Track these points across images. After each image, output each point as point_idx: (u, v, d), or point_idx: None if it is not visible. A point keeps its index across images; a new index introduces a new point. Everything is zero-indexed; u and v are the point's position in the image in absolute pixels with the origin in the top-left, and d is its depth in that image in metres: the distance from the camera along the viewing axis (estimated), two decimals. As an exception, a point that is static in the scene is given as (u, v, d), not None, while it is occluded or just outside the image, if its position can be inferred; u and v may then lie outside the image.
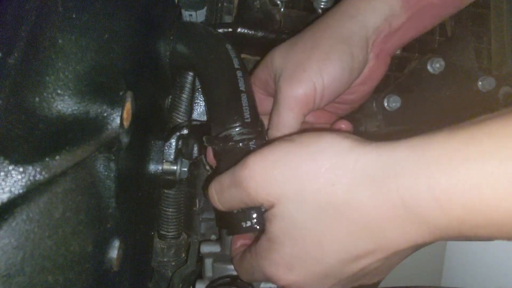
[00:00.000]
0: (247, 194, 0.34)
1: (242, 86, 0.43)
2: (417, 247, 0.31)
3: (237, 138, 0.41)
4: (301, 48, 0.42)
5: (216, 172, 0.48)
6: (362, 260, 0.32)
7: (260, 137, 0.42)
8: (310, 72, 0.40)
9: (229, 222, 0.40)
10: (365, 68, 0.43)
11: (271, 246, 0.34)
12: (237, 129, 0.41)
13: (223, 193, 0.37)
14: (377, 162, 0.30)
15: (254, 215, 0.38)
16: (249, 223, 0.38)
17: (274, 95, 0.43)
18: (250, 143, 0.41)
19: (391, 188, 0.28)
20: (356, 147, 0.31)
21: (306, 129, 0.43)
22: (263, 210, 0.36)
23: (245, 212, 0.38)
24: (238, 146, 0.41)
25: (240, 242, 0.44)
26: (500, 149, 0.25)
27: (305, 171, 0.31)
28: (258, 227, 0.38)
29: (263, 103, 0.46)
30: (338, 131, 0.46)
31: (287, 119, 0.41)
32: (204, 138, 0.44)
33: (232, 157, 0.41)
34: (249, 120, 0.42)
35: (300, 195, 0.31)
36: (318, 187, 0.31)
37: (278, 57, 0.43)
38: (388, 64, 0.46)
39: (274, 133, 0.42)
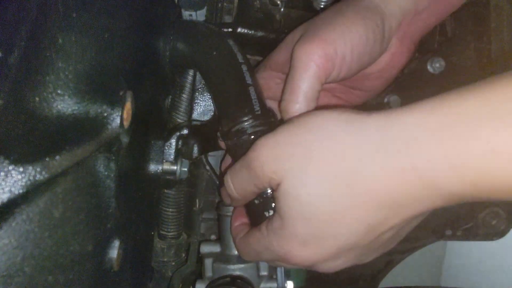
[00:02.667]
0: (254, 174, 0.34)
1: (249, 80, 0.43)
2: (429, 212, 0.31)
3: (250, 130, 0.41)
4: (324, 16, 0.40)
5: None
6: (377, 230, 0.31)
7: (273, 127, 0.41)
8: (332, 33, 0.37)
9: (252, 214, 0.42)
10: (387, 52, 0.41)
11: (283, 224, 0.33)
12: (249, 122, 0.41)
13: (236, 178, 0.37)
14: (383, 131, 0.29)
15: (274, 205, 0.38)
16: (271, 212, 0.39)
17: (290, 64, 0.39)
18: (264, 134, 0.41)
19: (401, 157, 0.28)
20: (356, 119, 0.31)
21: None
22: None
23: (266, 202, 0.39)
24: (251, 138, 0.41)
25: (239, 221, 0.43)
26: None
27: (307, 146, 0.31)
28: None
29: (280, 88, 0.43)
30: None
31: (302, 84, 0.37)
32: (218, 134, 0.44)
33: (247, 150, 0.40)
34: (259, 112, 0.42)
35: (304, 169, 0.31)
36: (321, 160, 0.30)
37: (300, 30, 0.41)
38: (411, 53, 0.43)
39: (287, 104, 0.39)
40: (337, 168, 0.30)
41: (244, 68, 0.43)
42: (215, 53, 0.44)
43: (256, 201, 0.40)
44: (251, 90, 0.42)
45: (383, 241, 0.33)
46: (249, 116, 0.41)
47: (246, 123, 0.41)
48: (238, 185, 0.37)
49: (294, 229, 0.33)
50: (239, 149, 0.42)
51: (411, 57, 0.44)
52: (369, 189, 0.29)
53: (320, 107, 0.42)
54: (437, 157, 0.26)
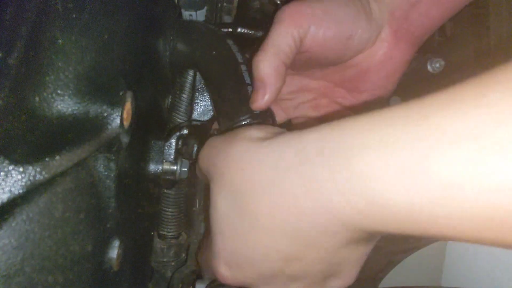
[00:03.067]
0: (198, 169, 0.36)
1: (247, 80, 0.43)
2: (360, 242, 0.29)
3: None
4: None
5: None
6: (298, 258, 0.29)
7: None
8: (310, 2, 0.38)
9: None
10: (382, 43, 0.40)
11: (211, 238, 0.33)
12: (247, 121, 0.41)
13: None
14: (281, 152, 0.27)
15: None
16: None
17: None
18: None
19: (294, 181, 0.26)
20: (264, 138, 0.30)
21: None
22: None
23: None
24: None
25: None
26: (397, 137, 0.22)
27: (225, 156, 0.31)
28: None
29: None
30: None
31: (273, 37, 0.37)
32: (215, 133, 0.45)
33: None
34: (257, 111, 0.42)
35: (219, 178, 0.31)
36: (232, 172, 0.30)
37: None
38: (412, 50, 0.41)
39: (257, 59, 0.38)
40: (241, 185, 0.29)
41: (243, 68, 0.43)
42: (214, 53, 0.44)
43: None
44: (250, 90, 0.43)
45: (320, 269, 0.30)
46: (247, 116, 0.41)
47: (243, 123, 0.41)
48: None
49: (217, 246, 0.32)
50: None
51: (412, 55, 0.42)
52: (268, 214, 0.28)
53: (323, 117, 0.42)
54: (327, 180, 0.25)
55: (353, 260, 0.31)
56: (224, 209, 0.30)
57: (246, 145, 0.30)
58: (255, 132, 0.31)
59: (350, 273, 0.32)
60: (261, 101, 0.39)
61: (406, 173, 0.22)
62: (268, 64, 0.38)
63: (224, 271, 0.32)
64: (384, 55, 0.41)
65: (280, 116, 0.47)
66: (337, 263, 0.30)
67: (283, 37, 0.37)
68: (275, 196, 0.27)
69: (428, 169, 0.21)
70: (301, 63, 0.42)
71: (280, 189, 0.27)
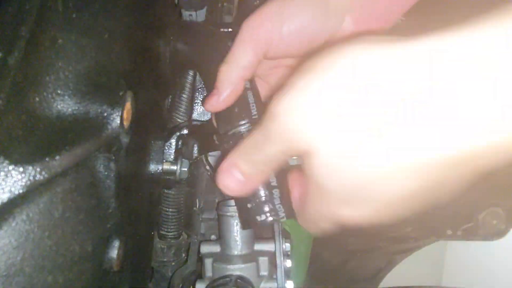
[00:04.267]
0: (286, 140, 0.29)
1: (247, 84, 0.43)
2: None
3: (247, 134, 0.40)
4: None
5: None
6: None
7: None
8: (271, 7, 0.39)
9: (243, 217, 0.41)
10: (342, 35, 0.41)
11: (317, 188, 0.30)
12: (246, 126, 0.41)
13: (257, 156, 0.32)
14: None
15: (267, 209, 0.39)
16: (263, 217, 0.39)
17: None
18: None
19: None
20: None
21: None
22: (275, 198, 0.38)
23: (259, 205, 0.38)
24: None
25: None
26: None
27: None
28: (272, 219, 0.39)
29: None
30: None
31: (237, 51, 0.39)
32: (214, 137, 0.45)
33: None
34: (256, 116, 0.42)
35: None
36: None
37: None
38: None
39: (224, 67, 0.40)
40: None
41: None
42: (214, 54, 0.44)
43: (249, 205, 0.39)
44: (249, 94, 0.43)
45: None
46: (246, 120, 0.41)
47: (242, 127, 0.41)
48: (257, 167, 0.33)
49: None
50: None
51: None
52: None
53: None
54: None
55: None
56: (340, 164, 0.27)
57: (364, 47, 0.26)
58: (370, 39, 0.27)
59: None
60: (210, 105, 0.41)
61: None
62: (226, 76, 0.40)
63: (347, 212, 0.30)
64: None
65: (263, 88, 0.48)
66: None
67: (243, 54, 0.40)
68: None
69: None
70: (272, 59, 0.43)
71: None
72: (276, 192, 0.39)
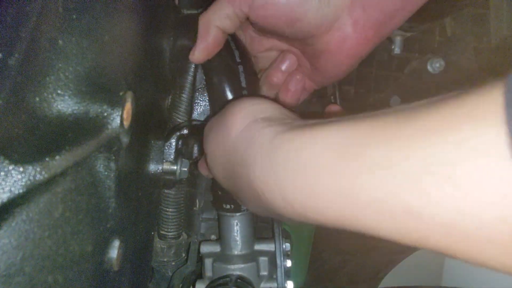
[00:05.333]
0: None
1: (243, 82, 0.43)
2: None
3: None
4: None
5: None
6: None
7: None
8: None
9: (214, 198, 0.51)
10: (337, 32, 0.41)
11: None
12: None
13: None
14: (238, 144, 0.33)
15: (232, 201, 0.48)
16: (228, 206, 0.49)
17: None
18: None
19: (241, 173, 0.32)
20: (270, 121, 0.33)
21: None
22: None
23: (227, 196, 0.48)
24: None
25: None
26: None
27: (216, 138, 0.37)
28: (233, 208, 0.49)
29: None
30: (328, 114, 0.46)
31: (218, 3, 0.42)
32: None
33: None
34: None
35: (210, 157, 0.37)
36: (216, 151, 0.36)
37: None
38: (370, 41, 0.42)
39: (202, 16, 0.43)
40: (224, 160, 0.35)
41: (241, 69, 0.44)
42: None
43: (220, 193, 0.49)
44: (245, 93, 0.43)
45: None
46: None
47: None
48: None
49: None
50: None
51: (372, 47, 0.43)
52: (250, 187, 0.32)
53: (310, 114, 0.45)
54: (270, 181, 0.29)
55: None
56: (221, 176, 0.37)
57: (235, 129, 0.34)
58: (255, 110, 0.34)
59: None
60: (192, 54, 0.44)
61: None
62: (204, 26, 0.43)
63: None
64: (340, 41, 0.42)
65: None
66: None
67: (222, 7, 0.42)
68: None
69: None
70: (261, 29, 0.44)
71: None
72: None
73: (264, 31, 0.44)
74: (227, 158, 0.34)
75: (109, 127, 0.29)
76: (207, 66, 0.46)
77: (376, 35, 0.42)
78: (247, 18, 0.42)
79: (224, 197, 0.49)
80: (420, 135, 0.21)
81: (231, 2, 0.41)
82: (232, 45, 0.45)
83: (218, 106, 0.45)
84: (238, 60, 0.44)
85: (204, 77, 0.51)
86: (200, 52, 0.44)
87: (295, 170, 0.27)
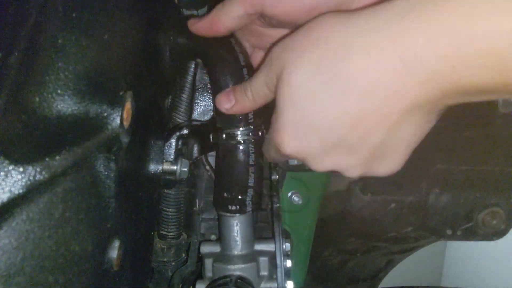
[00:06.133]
0: (267, 66, 0.37)
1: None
2: (423, 113, 0.31)
3: (240, 138, 0.44)
4: None
5: (217, 172, 0.48)
6: (363, 124, 0.31)
7: (259, 142, 0.45)
8: None
9: (218, 200, 0.49)
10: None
11: (277, 114, 0.35)
12: (241, 129, 0.44)
13: (254, 80, 0.39)
14: (367, 18, 0.30)
15: (238, 202, 0.47)
16: (233, 207, 0.48)
17: None
18: (250, 146, 0.45)
19: (388, 50, 0.28)
20: (351, 14, 0.31)
21: None
22: (248, 196, 0.47)
23: (234, 198, 0.47)
24: (239, 147, 0.45)
25: None
26: None
27: (306, 41, 0.33)
28: (238, 209, 0.48)
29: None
30: None
31: (230, 5, 0.41)
32: (210, 136, 0.47)
33: (233, 159, 0.46)
34: (252, 120, 0.44)
35: (299, 59, 0.33)
36: (313, 50, 0.32)
37: None
38: None
39: (213, 14, 0.42)
40: (323, 55, 0.31)
41: (245, 71, 0.44)
42: (217, 52, 0.45)
43: (225, 194, 0.47)
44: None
45: (376, 142, 0.33)
46: (242, 123, 0.44)
47: (238, 130, 0.44)
48: (254, 86, 0.39)
49: (284, 119, 0.34)
50: (226, 154, 0.46)
51: None
52: (353, 78, 0.30)
53: None
54: (420, 41, 0.27)
55: (405, 144, 0.34)
56: (303, 80, 0.32)
57: (328, 21, 0.32)
58: (333, 15, 0.32)
59: (399, 160, 0.35)
60: (193, 23, 0.43)
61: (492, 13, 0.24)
62: (213, 20, 0.42)
63: (289, 141, 0.35)
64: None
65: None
66: (391, 145, 0.33)
67: (233, 8, 0.40)
68: (362, 56, 0.29)
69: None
70: (275, 23, 0.43)
71: (368, 48, 0.29)
72: (250, 191, 0.47)
73: (278, 25, 0.44)
74: (331, 34, 0.31)
75: (109, 127, 0.29)
76: (212, 69, 0.46)
77: None
78: (260, 15, 0.42)
79: (229, 199, 0.48)
80: None
81: (242, 3, 0.40)
82: (236, 49, 0.45)
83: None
84: (242, 63, 0.45)
85: (209, 80, 0.51)
86: (200, 29, 0.43)
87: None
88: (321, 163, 0.36)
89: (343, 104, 0.31)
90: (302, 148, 0.35)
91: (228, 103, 0.42)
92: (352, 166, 0.35)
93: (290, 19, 0.41)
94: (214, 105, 0.47)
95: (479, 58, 0.25)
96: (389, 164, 0.35)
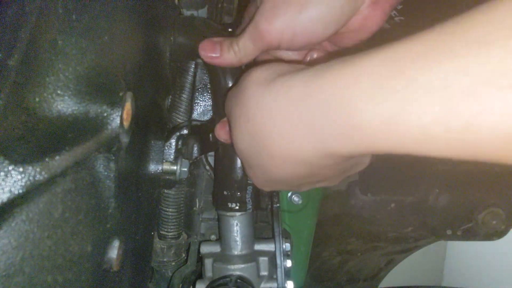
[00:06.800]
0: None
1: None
2: (333, 162, 0.33)
3: None
4: None
5: (216, 170, 0.48)
6: (313, 177, 0.37)
7: None
8: (285, 14, 0.40)
9: (217, 198, 0.50)
10: (359, 16, 0.43)
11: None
12: None
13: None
14: (280, 99, 0.32)
15: (238, 200, 0.48)
16: (234, 205, 0.49)
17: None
18: None
19: (294, 127, 0.31)
20: (267, 80, 0.34)
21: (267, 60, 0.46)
22: (248, 193, 0.48)
23: (233, 195, 0.48)
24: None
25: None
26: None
27: (236, 104, 0.37)
28: (239, 207, 0.48)
29: None
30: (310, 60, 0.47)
31: (243, 46, 0.43)
32: (210, 135, 0.48)
33: (232, 157, 0.46)
34: None
35: (236, 124, 0.37)
36: (244, 119, 0.35)
37: None
38: (387, 14, 0.45)
39: (228, 49, 0.43)
40: (250, 127, 0.35)
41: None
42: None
43: (225, 192, 0.49)
44: None
45: (318, 178, 0.38)
46: None
47: None
48: None
49: (247, 170, 0.41)
50: (226, 152, 0.46)
51: (385, 20, 0.45)
52: (280, 155, 0.34)
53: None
54: (326, 127, 0.30)
55: (345, 169, 0.39)
56: (244, 147, 0.37)
57: (252, 92, 0.35)
58: (260, 74, 0.35)
59: (337, 180, 0.42)
60: (205, 50, 0.44)
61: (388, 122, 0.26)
62: (225, 55, 0.44)
63: (262, 183, 0.41)
64: (360, 25, 0.44)
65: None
66: (317, 179, 0.39)
67: (246, 46, 0.42)
68: (282, 140, 0.33)
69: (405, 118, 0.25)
70: (292, 49, 0.45)
71: (286, 134, 0.32)
72: (250, 188, 0.48)
73: (295, 49, 0.45)
74: (253, 112, 0.35)
75: (109, 127, 0.29)
76: (213, 69, 0.46)
77: (391, 6, 0.44)
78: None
79: (229, 197, 0.48)
80: (472, 48, 0.22)
81: (258, 44, 0.42)
82: None
83: (219, 102, 0.45)
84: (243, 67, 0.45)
85: (209, 80, 0.51)
86: (212, 61, 0.45)
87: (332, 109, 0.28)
88: (266, 187, 0.42)
89: (288, 170, 0.35)
90: (275, 189, 0.43)
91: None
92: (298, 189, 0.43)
93: (303, 47, 0.44)
94: (214, 105, 0.47)
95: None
96: (331, 182, 0.42)
